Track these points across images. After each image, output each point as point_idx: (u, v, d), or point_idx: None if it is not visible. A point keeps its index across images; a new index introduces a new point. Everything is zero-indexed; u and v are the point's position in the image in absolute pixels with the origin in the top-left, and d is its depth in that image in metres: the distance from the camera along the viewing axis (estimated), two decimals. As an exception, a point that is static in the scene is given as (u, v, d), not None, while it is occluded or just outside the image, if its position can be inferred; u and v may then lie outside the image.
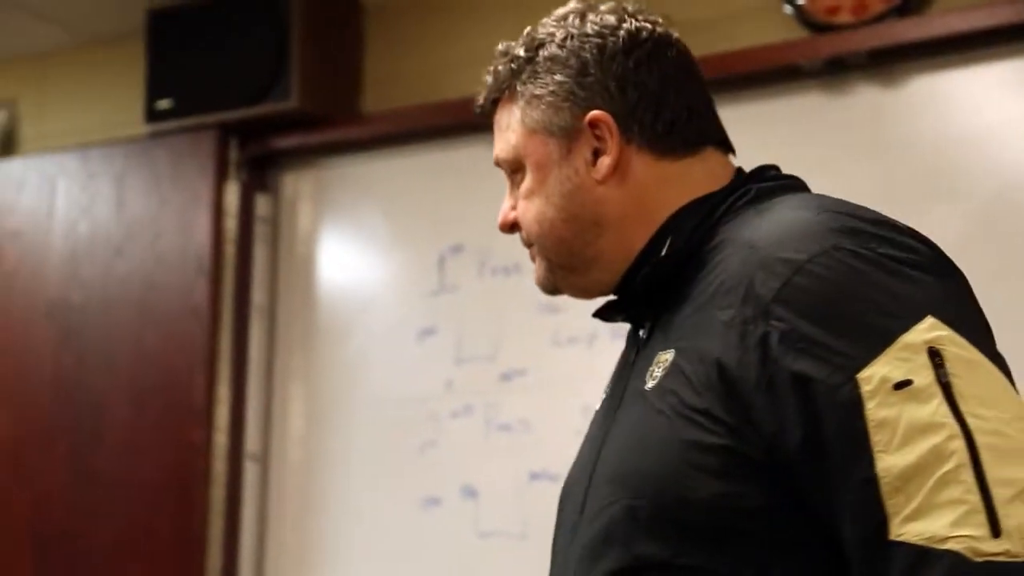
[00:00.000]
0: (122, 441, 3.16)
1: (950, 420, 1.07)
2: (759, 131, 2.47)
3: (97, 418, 3.19)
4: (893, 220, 1.21)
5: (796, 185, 1.34)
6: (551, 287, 1.42)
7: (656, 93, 1.34)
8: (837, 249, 1.15)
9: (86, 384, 3.26)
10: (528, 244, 1.41)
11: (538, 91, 1.36)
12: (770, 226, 1.22)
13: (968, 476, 1.05)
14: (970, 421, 1.07)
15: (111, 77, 3.56)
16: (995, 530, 1.04)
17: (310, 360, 3.24)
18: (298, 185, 3.35)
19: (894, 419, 1.07)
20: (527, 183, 1.37)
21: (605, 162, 1.33)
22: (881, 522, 1.06)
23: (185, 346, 3.19)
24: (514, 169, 1.39)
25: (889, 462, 1.07)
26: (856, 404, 1.08)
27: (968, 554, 1.03)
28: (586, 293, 1.41)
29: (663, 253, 1.31)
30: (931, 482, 1.06)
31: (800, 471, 1.12)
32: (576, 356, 2.92)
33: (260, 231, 3.30)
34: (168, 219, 3.27)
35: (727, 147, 1.38)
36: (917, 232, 1.21)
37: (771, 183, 1.33)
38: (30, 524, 3.26)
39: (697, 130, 1.36)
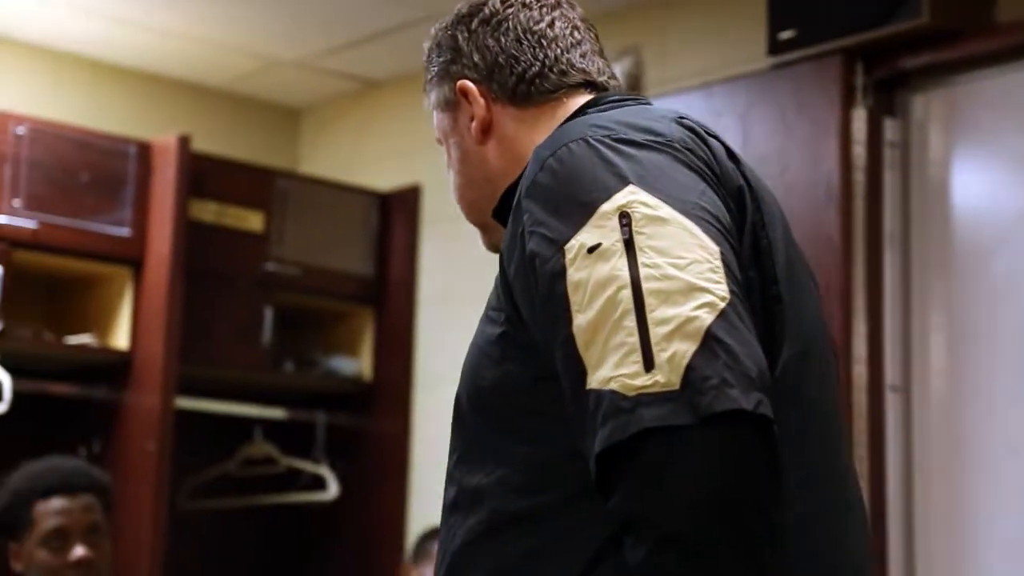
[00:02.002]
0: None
1: (623, 272, 1.15)
2: None
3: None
4: (638, 122, 1.28)
5: (625, 102, 1.42)
6: (492, 248, 1.49)
7: (511, 53, 1.45)
8: (574, 141, 1.26)
9: None
10: None
11: (429, 75, 1.51)
12: (546, 140, 1.33)
13: (631, 321, 1.14)
14: (642, 271, 1.15)
15: (731, 14, 3.49)
16: (648, 365, 1.12)
17: (949, 288, 3.04)
18: (929, 106, 3.14)
19: (585, 280, 1.17)
20: (445, 158, 1.53)
21: (476, 126, 1.45)
22: (581, 374, 1.15)
23: (819, 277, 3.02)
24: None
25: (580, 320, 1.16)
26: (561, 271, 1.18)
27: (622, 390, 1.11)
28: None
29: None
30: (606, 332, 1.14)
31: (541, 341, 1.23)
32: None
33: (889, 157, 3.12)
34: (794, 150, 3.15)
35: (599, 88, 1.46)
36: (679, 122, 1.30)
37: (606, 104, 1.41)
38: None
39: (556, 76, 1.44)
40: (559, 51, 1.45)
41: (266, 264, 3.91)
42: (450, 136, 1.51)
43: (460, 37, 1.49)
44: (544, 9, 1.48)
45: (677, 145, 1.26)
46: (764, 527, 1.12)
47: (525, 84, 1.45)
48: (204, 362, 3.78)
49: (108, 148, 3.70)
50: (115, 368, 3.68)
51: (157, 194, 3.69)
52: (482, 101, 1.45)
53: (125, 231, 3.66)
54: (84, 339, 3.70)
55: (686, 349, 1.11)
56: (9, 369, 3.44)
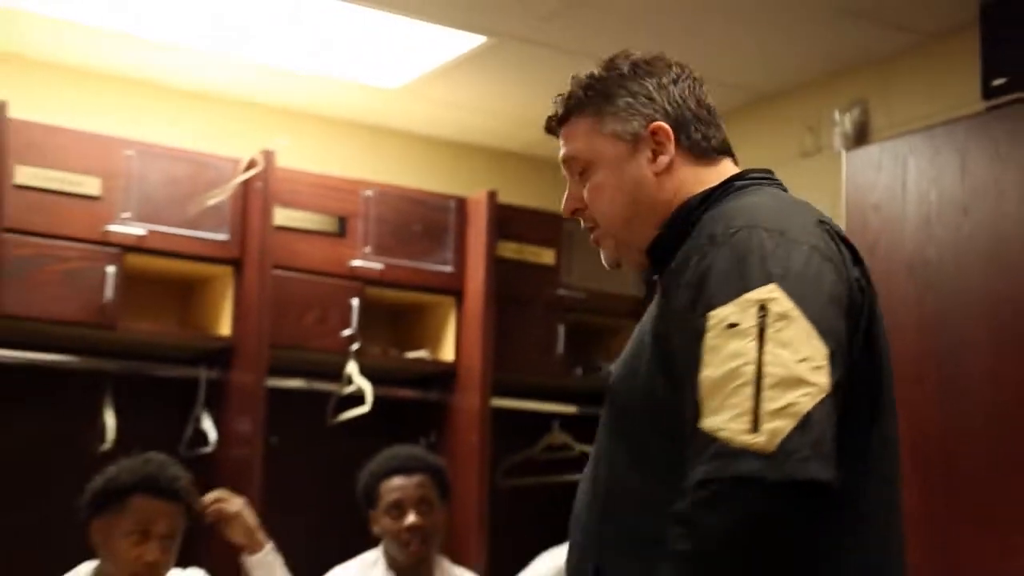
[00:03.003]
0: (984, 373, 3.00)
1: (752, 353, 1.29)
2: None
3: (958, 357, 3.05)
4: (793, 220, 1.40)
5: (763, 181, 1.53)
6: (614, 263, 1.58)
7: (693, 111, 1.54)
8: (750, 228, 1.37)
9: (946, 328, 3.15)
10: (592, 228, 1.57)
11: (612, 108, 1.52)
12: (723, 211, 1.43)
13: (749, 391, 1.27)
14: (765, 356, 1.28)
15: (948, 67, 3.46)
16: (754, 428, 1.25)
17: None
18: None
19: (720, 347, 1.30)
20: (598, 177, 1.53)
21: (664, 160, 1.51)
22: (697, 413, 1.29)
23: None
24: (583, 168, 1.54)
25: (707, 373, 1.30)
26: (702, 332, 1.32)
27: (729, 439, 1.25)
28: (641, 264, 1.56)
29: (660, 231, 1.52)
30: (726, 391, 1.28)
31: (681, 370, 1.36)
32: None
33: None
34: (1008, 180, 3.04)
35: (734, 158, 1.57)
36: (820, 224, 1.42)
37: (747, 181, 1.52)
38: (912, 450, 3.21)
39: (718, 141, 1.55)
40: (716, 119, 1.55)
41: (558, 290, 3.98)
42: (626, 162, 1.51)
43: (651, 85, 1.53)
44: (699, 82, 1.56)
45: (823, 248, 1.36)
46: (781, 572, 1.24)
47: (703, 141, 1.53)
48: (512, 369, 3.85)
49: (434, 204, 3.83)
50: (444, 376, 3.81)
51: (472, 238, 3.82)
52: (671, 144, 1.50)
53: (448, 268, 3.79)
54: (420, 354, 3.83)
55: (785, 425, 1.23)
56: (372, 376, 3.60)
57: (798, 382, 1.27)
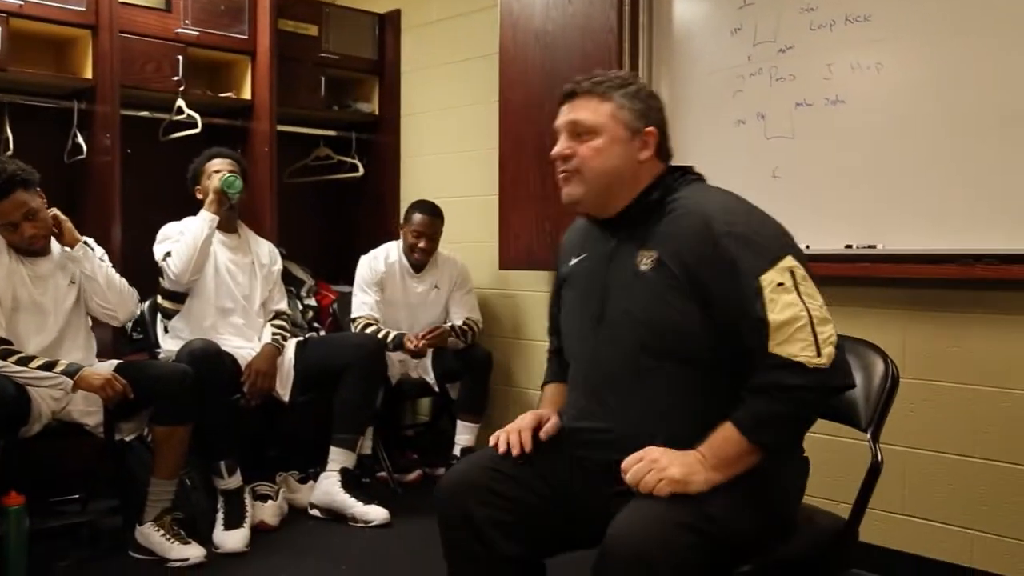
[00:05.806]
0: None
1: (800, 303, 1.29)
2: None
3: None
4: (754, 209, 1.41)
5: (698, 177, 1.51)
6: (573, 202, 1.50)
7: (666, 132, 1.51)
8: (749, 213, 1.37)
9: (556, 75, 3.26)
10: (568, 172, 1.49)
11: (632, 105, 1.48)
12: (710, 204, 1.40)
13: (808, 329, 1.28)
14: (807, 304, 1.30)
15: None
16: (818, 354, 1.27)
17: (671, 47, 3.14)
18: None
19: (776, 299, 1.30)
20: (598, 143, 1.47)
21: (647, 154, 1.48)
22: (766, 342, 1.30)
23: (604, 46, 3.20)
24: (587, 131, 1.47)
25: (773, 318, 1.29)
26: (760, 290, 1.31)
27: (806, 363, 1.28)
28: (598, 210, 1.51)
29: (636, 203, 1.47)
30: (792, 330, 1.28)
31: (731, 316, 1.33)
32: (820, 37, 2.77)
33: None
34: None
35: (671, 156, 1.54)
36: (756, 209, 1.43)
37: (690, 175, 1.50)
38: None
39: (669, 152, 1.53)
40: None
41: (320, 53, 3.96)
42: (622, 143, 1.46)
43: (653, 106, 1.51)
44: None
45: (779, 224, 1.44)
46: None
47: (665, 150, 1.53)
48: (291, 105, 3.85)
49: (236, -8, 3.69)
50: (245, 110, 3.78)
51: (260, 16, 3.71)
52: (654, 145, 1.50)
53: (245, 36, 3.70)
54: (229, 94, 3.78)
55: (834, 350, 1.30)
56: (195, 110, 3.57)
57: (826, 320, 1.31)
